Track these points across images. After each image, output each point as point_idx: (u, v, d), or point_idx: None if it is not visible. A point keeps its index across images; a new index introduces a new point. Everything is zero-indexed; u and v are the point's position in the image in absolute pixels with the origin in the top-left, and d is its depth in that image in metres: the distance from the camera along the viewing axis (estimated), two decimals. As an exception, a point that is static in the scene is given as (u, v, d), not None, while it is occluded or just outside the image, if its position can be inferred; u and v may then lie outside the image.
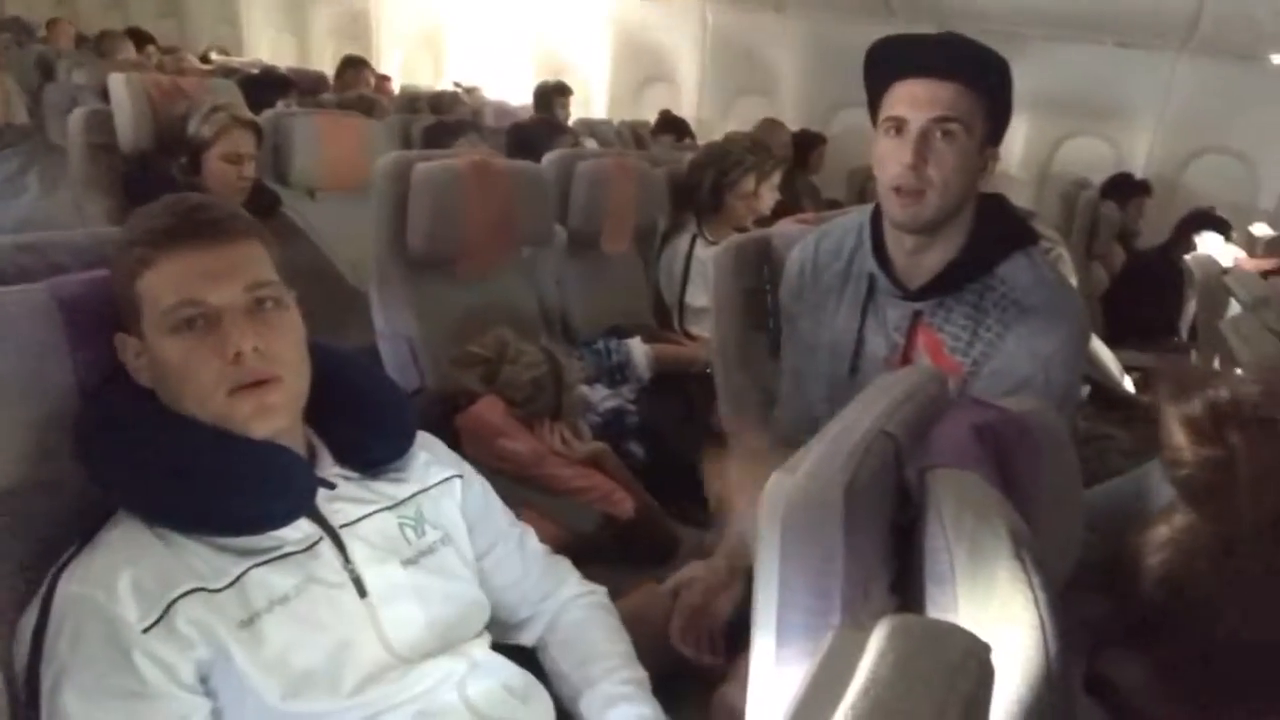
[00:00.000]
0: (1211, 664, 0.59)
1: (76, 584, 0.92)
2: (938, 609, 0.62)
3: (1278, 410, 0.59)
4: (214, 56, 7.22)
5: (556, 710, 1.16)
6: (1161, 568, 0.60)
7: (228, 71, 5.34)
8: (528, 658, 1.22)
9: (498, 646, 1.16)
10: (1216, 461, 0.59)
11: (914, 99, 1.36)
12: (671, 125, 6.07)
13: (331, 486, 1.07)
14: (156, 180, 2.38)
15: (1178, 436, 0.60)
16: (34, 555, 1.00)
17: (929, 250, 1.45)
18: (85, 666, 0.89)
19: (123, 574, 0.91)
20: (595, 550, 1.72)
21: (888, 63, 1.41)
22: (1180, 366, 0.65)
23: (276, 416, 1.01)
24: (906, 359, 1.48)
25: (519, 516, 1.30)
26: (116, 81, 2.57)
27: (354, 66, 5.94)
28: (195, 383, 0.98)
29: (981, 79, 1.37)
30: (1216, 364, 2.88)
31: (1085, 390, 3.06)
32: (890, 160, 1.39)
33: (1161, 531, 0.61)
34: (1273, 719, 0.58)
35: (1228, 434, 0.58)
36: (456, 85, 6.61)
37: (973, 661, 0.45)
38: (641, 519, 1.89)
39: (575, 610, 1.25)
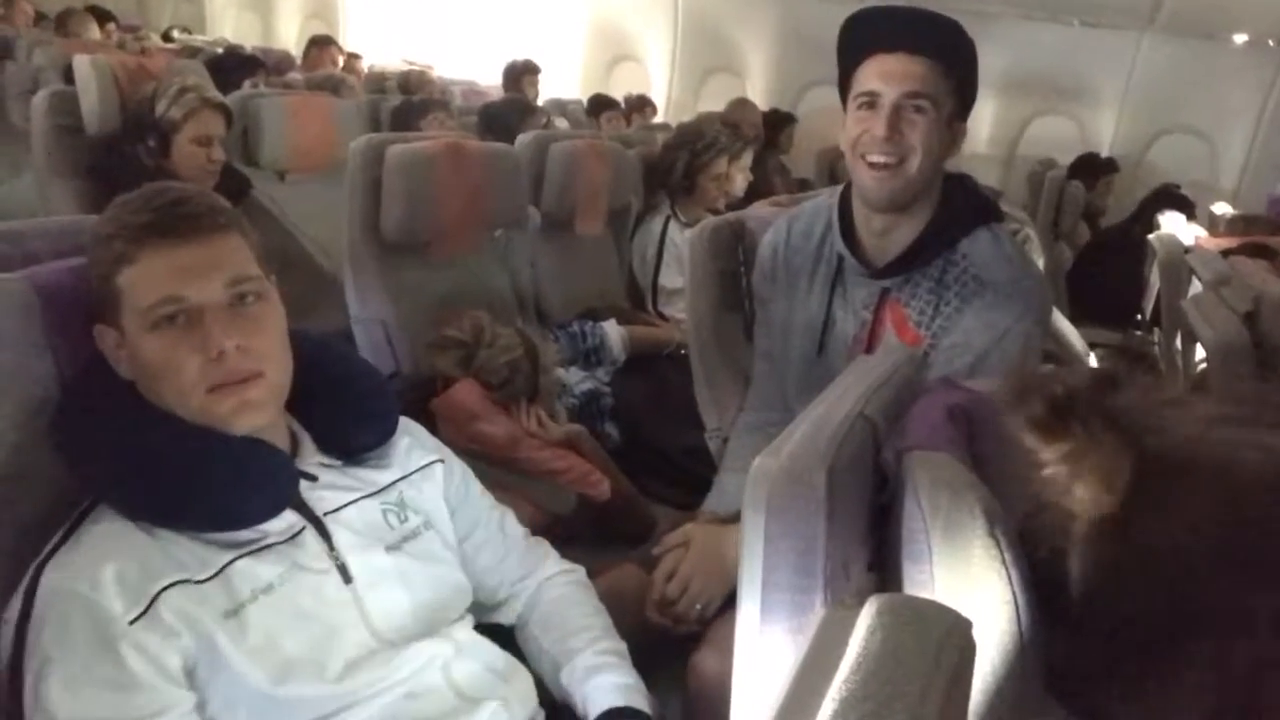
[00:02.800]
0: (1134, 646, 0.62)
1: (60, 576, 0.92)
2: (915, 586, 0.64)
3: (1108, 395, 0.63)
4: (176, 35, 7.08)
5: (537, 688, 1.17)
6: (1083, 571, 0.63)
7: (191, 51, 5.26)
8: (506, 637, 1.24)
9: (477, 626, 1.18)
10: (1067, 454, 0.62)
11: (887, 74, 1.38)
12: (604, 105, 5.65)
13: (313, 479, 1.08)
14: (126, 164, 2.35)
15: (1028, 440, 0.63)
16: (15, 546, 0.99)
17: (896, 229, 1.47)
18: (70, 657, 0.89)
19: (107, 566, 0.91)
20: (572, 532, 1.73)
21: (861, 37, 1.42)
22: (1017, 375, 0.67)
23: (258, 413, 1.01)
24: (874, 336, 1.50)
25: (495, 499, 1.31)
26: (82, 63, 2.52)
27: (320, 45, 5.86)
28: (176, 380, 0.98)
29: (951, 55, 1.39)
30: (1179, 342, 2.94)
31: (1048, 368, 3.11)
32: (863, 135, 1.40)
33: (1071, 534, 0.63)
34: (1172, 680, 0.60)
35: (1071, 426, 0.61)
36: (409, 64, 6.52)
37: (956, 637, 0.47)
38: (618, 500, 1.91)
39: (554, 588, 1.27)
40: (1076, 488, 0.61)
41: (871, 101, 1.39)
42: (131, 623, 0.90)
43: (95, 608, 0.90)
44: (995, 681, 0.59)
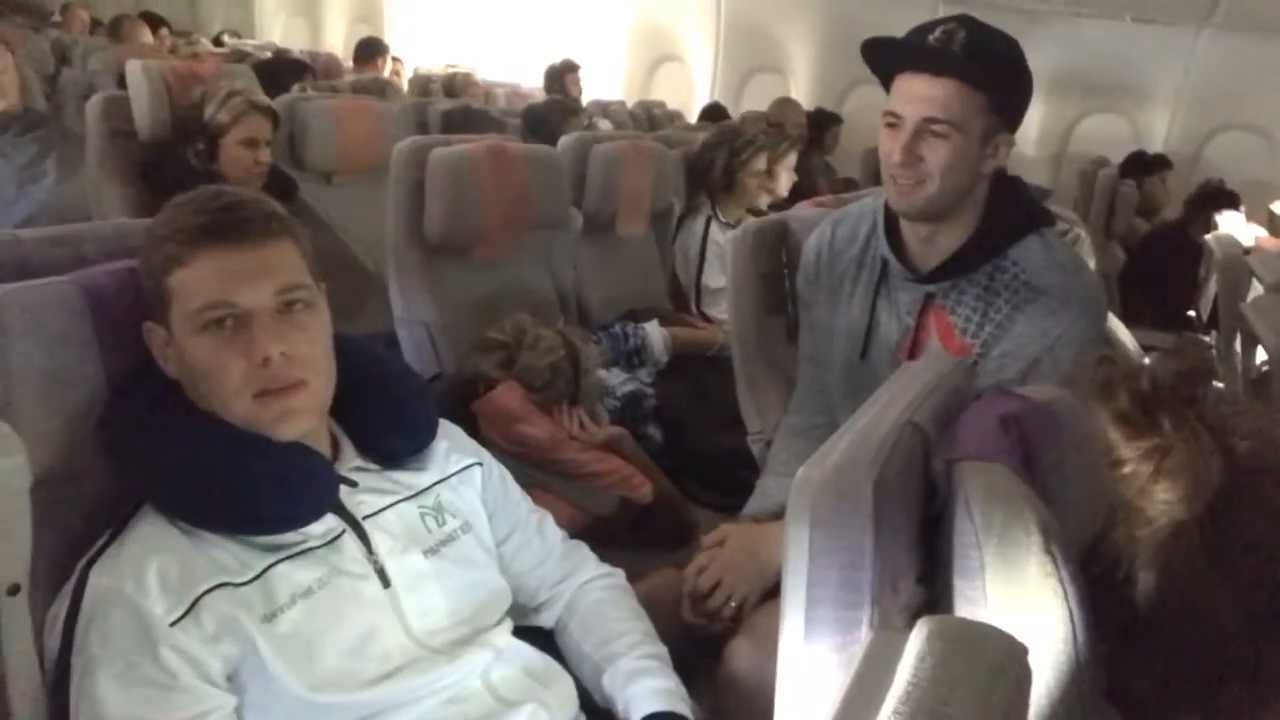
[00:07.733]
0: (1210, 656, 0.59)
1: (106, 576, 0.93)
2: (966, 602, 0.62)
3: (1196, 388, 0.60)
4: (227, 40, 7.21)
5: (578, 691, 1.16)
6: (1158, 579, 0.60)
7: (240, 55, 5.34)
8: (546, 640, 1.23)
9: (516, 629, 1.17)
10: (1153, 449, 0.59)
11: (908, 96, 1.35)
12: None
13: (353, 484, 1.08)
14: (175, 168, 2.39)
15: (1111, 435, 0.60)
16: (64, 546, 1.00)
17: (941, 235, 1.44)
18: (115, 656, 0.90)
19: (150, 566, 0.92)
20: (613, 534, 1.73)
21: (883, 58, 1.39)
22: (1101, 368, 0.64)
23: (302, 420, 1.01)
24: (918, 342, 1.48)
25: (535, 500, 1.31)
26: (134, 69, 2.57)
27: (370, 49, 5.90)
28: (221, 383, 0.98)
29: (980, 75, 1.32)
30: (1238, 345, 2.86)
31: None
32: (888, 152, 1.39)
33: (1144, 540, 0.61)
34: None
35: (1159, 420, 0.59)
36: (450, 67, 6.55)
37: (1012, 664, 0.45)
38: (659, 503, 1.90)
39: (594, 591, 1.26)
40: (1158, 488, 0.58)
41: (894, 122, 1.37)
42: (173, 625, 0.91)
43: (139, 608, 0.91)
44: (1050, 704, 0.57)
